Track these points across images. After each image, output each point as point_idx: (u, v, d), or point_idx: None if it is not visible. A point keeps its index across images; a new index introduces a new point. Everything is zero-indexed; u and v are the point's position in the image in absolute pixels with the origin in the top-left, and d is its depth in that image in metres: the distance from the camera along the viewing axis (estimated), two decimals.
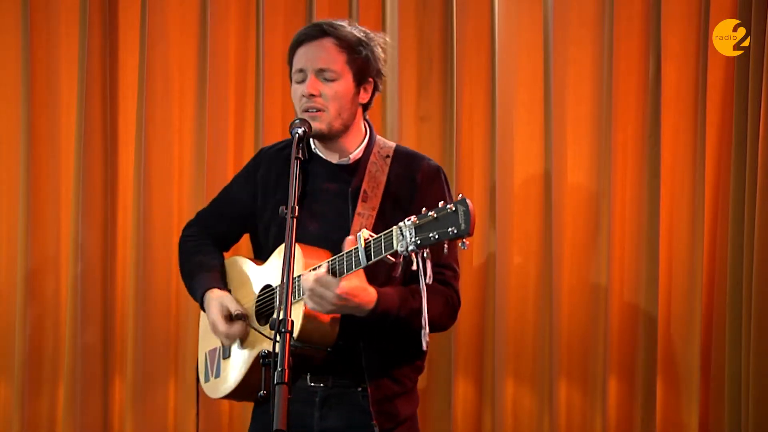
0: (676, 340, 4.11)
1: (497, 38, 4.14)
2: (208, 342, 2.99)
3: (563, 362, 4.14)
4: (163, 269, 4.17)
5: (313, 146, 2.85)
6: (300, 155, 2.63)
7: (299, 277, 2.65)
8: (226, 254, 3.06)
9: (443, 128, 4.15)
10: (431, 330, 2.70)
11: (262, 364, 2.45)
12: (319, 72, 2.74)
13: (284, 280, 2.39)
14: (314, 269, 2.63)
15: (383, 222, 2.72)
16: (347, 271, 2.56)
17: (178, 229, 3.32)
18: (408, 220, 2.42)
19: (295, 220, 2.51)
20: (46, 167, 4.21)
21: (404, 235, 2.42)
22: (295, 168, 2.59)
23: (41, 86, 4.20)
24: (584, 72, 4.16)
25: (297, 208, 2.52)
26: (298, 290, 2.65)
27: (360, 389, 2.77)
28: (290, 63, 2.83)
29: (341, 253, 2.59)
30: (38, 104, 4.19)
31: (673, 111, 4.12)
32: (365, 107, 2.86)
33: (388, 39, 2.86)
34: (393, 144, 2.88)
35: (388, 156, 2.83)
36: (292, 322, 2.35)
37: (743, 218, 4.02)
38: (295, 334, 2.59)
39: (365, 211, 2.76)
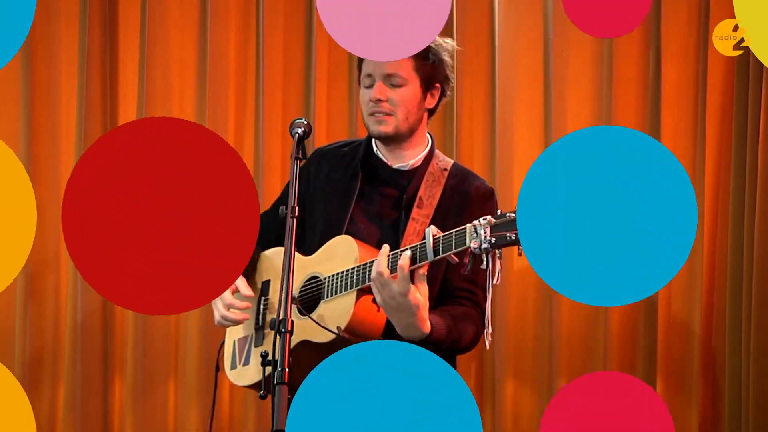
0: (676, 340, 4.11)
1: (497, 38, 4.14)
2: (238, 330, 2.98)
3: (563, 362, 4.13)
4: None
5: (375, 148, 2.88)
6: (300, 155, 2.63)
7: (360, 266, 2.65)
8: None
9: (443, 128, 4.14)
10: (459, 352, 2.76)
11: (262, 365, 2.44)
12: (387, 77, 2.78)
13: (284, 281, 2.39)
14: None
15: None
16: (412, 264, 2.55)
17: None
18: (483, 219, 2.45)
19: (295, 220, 2.50)
20: (46, 167, 4.20)
21: (478, 233, 2.45)
22: (294, 168, 2.59)
23: (41, 86, 4.20)
24: (584, 72, 4.15)
25: (297, 208, 2.52)
26: (354, 280, 2.65)
27: None
28: (359, 68, 2.87)
29: (407, 247, 2.59)
30: (38, 104, 4.19)
31: (673, 111, 4.12)
32: (431, 112, 2.88)
33: (457, 45, 2.89)
34: (451, 160, 2.91)
35: (445, 169, 2.86)
36: (293, 322, 2.34)
37: (743, 218, 4.02)
38: (344, 324, 2.61)
39: (420, 217, 2.78)
